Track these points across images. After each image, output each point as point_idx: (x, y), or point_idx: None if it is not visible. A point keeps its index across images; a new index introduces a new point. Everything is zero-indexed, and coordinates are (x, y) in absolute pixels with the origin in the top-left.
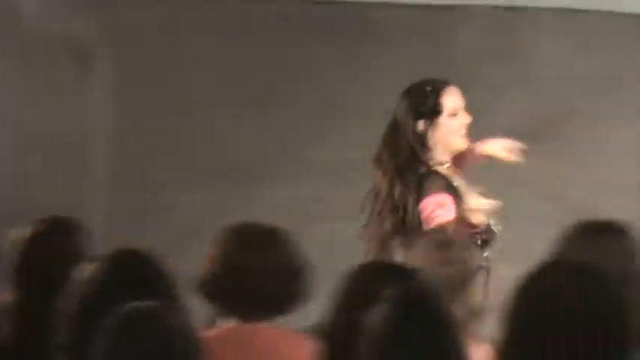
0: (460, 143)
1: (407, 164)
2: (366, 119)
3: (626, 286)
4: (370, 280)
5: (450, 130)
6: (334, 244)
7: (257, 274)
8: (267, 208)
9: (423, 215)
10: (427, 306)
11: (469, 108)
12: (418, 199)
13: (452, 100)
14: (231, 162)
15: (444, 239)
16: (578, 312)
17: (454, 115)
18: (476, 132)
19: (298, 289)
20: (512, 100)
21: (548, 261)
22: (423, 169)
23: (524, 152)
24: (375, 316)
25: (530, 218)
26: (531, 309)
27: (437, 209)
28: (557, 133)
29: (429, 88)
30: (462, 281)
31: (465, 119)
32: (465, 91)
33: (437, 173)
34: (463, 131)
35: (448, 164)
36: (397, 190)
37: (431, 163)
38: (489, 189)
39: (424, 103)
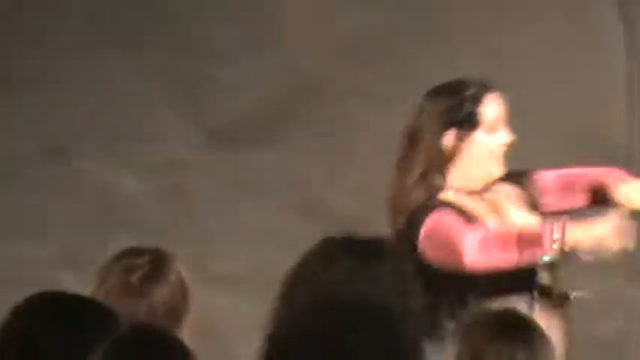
0: (495, 170)
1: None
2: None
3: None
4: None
5: (487, 150)
6: None
7: None
8: None
9: (430, 255)
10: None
11: (190, 81)
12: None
13: (493, 110)
14: None
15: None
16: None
17: (493, 130)
18: (190, 110)
19: None
20: (245, 71)
21: (317, 297)
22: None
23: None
24: None
25: (273, 236)
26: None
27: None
28: (306, 116)
29: (468, 92)
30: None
31: (504, 137)
32: (181, 58)
33: (443, 204)
34: (500, 154)
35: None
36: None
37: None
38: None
39: (459, 109)
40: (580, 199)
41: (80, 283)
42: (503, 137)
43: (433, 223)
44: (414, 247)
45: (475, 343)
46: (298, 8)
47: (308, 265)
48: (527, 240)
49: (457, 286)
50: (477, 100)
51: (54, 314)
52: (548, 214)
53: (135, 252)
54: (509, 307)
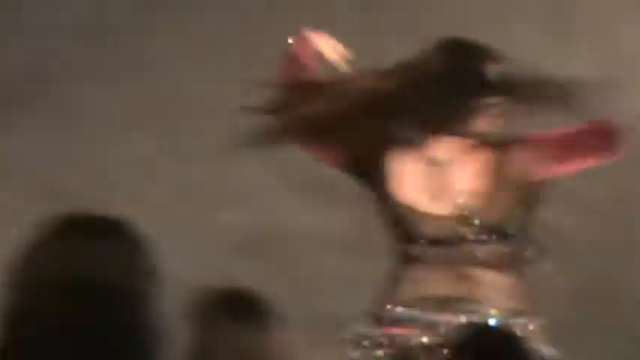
0: None
1: None
2: None
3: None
4: None
5: None
6: None
7: None
8: None
9: None
10: None
11: None
12: None
13: None
14: None
15: None
16: None
17: None
18: None
19: None
20: None
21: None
22: None
23: None
24: None
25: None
26: None
27: None
28: (35, 100)
29: None
30: None
31: None
32: None
33: None
34: None
35: None
36: None
37: None
38: None
39: None
40: None
41: None
42: None
43: None
44: None
45: (201, 324)
46: None
47: (34, 246)
48: None
49: None
50: None
51: None
52: None
53: None
54: (241, 288)
